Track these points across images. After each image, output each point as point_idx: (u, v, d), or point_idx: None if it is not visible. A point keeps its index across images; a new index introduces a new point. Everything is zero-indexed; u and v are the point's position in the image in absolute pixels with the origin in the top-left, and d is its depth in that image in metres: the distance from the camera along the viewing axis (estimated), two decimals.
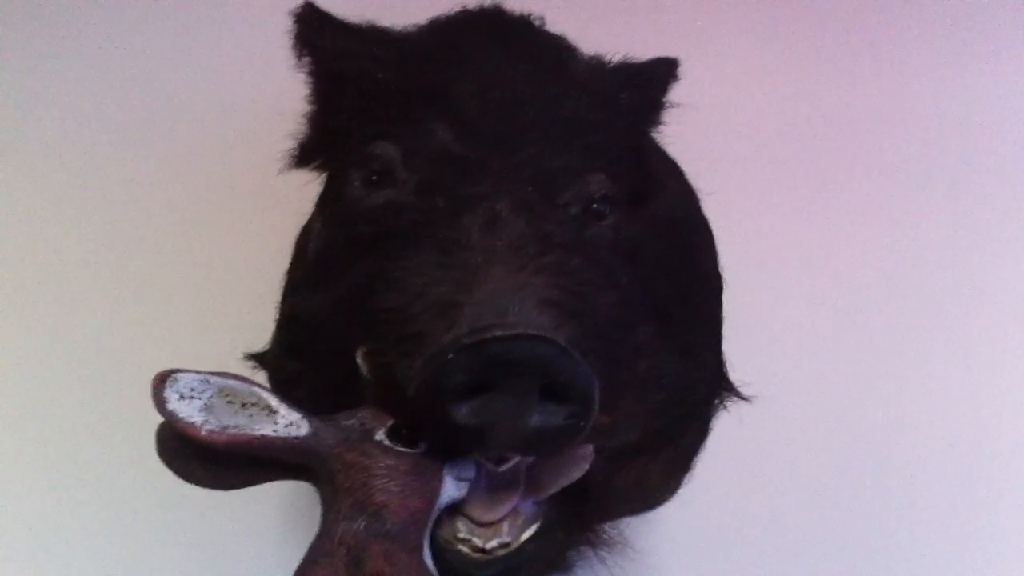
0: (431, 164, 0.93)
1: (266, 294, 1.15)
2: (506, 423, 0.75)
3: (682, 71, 1.17)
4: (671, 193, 1.24)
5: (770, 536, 1.50)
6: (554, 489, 0.88)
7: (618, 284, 0.97)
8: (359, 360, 0.88)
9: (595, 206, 0.98)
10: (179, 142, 1.76)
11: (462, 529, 0.85)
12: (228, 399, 0.78)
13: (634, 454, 1.07)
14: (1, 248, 1.69)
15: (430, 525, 0.80)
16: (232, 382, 0.80)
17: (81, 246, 1.70)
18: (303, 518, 1.46)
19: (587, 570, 1.07)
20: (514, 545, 0.86)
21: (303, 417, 0.80)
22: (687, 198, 1.33)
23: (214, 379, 0.79)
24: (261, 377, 1.06)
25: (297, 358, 1.02)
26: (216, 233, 1.70)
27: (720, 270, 1.32)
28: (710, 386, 1.22)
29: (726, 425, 1.26)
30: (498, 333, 0.73)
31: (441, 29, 1.10)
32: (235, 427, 0.77)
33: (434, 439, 0.80)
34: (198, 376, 0.79)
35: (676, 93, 1.16)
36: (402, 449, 0.79)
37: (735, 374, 1.26)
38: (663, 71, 1.17)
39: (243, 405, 0.78)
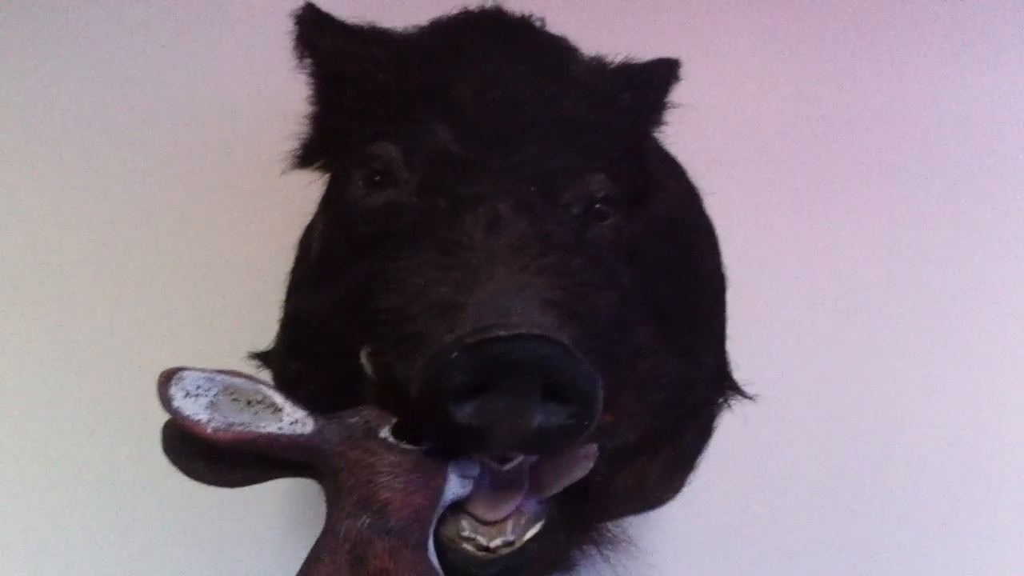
0: (431, 164, 0.94)
1: (271, 294, 1.16)
2: (508, 423, 0.75)
3: (683, 71, 1.17)
4: (671, 193, 1.24)
5: (772, 535, 1.51)
6: (558, 488, 0.88)
7: (619, 284, 0.97)
8: (364, 360, 0.88)
9: (597, 206, 0.98)
10: (183, 143, 1.77)
11: (466, 527, 0.86)
12: (233, 397, 0.79)
13: (634, 454, 1.07)
14: (7, 249, 1.70)
15: (434, 522, 0.80)
16: (237, 380, 0.80)
17: (87, 247, 1.70)
18: (305, 517, 1.46)
19: (591, 569, 1.07)
20: (518, 544, 0.86)
21: (308, 415, 0.81)
22: (688, 198, 1.33)
23: (219, 377, 0.79)
24: (266, 376, 1.07)
25: (298, 358, 1.03)
26: (221, 233, 1.70)
27: (723, 270, 1.33)
28: (710, 386, 1.22)
29: (729, 425, 1.26)
30: (501, 333, 0.73)
31: (442, 30, 1.10)
32: (240, 424, 0.78)
33: (436, 439, 0.80)
34: (204, 374, 0.79)
35: (677, 93, 1.16)
36: (406, 446, 0.79)
37: (737, 373, 1.26)
38: (664, 72, 1.16)
39: (248, 403, 0.79)
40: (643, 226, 1.08)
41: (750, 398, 1.24)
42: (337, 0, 1.10)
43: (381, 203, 0.96)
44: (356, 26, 1.08)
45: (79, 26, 1.86)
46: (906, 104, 1.82)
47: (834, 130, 1.81)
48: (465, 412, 0.75)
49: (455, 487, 0.81)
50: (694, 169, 1.34)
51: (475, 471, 0.83)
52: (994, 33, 1.88)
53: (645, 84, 1.12)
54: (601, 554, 1.06)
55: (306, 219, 1.21)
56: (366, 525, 0.76)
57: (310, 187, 1.16)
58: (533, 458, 0.87)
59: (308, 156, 1.10)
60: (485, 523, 0.86)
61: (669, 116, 1.16)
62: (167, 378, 0.78)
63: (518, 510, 0.87)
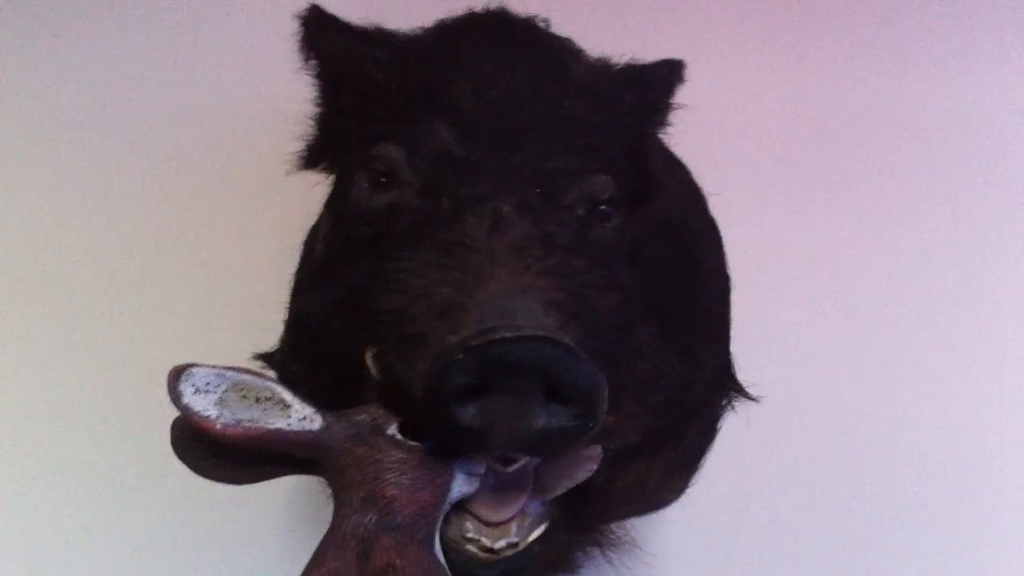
0: (433, 165, 0.94)
1: (275, 295, 1.16)
2: (510, 424, 0.75)
3: (687, 72, 1.17)
4: (673, 193, 1.24)
5: (774, 537, 1.50)
6: (562, 490, 0.88)
7: (621, 285, 0.97)
8: (369, 361, 0.88)
9: (600, 207, 0.98)
10: (187, 144, 1.77)
11: (470, 529, 0.85)
12: (242, 393, 0.79)
13: (634, 455, 1.07)
14: (10, 251, 1.70)
15: (440, 519, 0.80)
16: (246, 376, 0.80)
17: (92, 247, 1.71)
18: (308, 516, 1.46)
19: (593, 570, 1.07)
20: (522, 545, 0.86)
21: (316, 412, 0.81)
22: (691, 198, 1.33)
23: (229, 373, 0.80)
24: (271, 375, 1.06)
25: (301, 358, 1.03)
26: (226, 234, 1.70)
27: (726, 270, 1.33)
28: (710, 386, 1.22)
29: (731, 426, 1.26)
30: (505, 334, 0.72)
31: (445, 31, 1.11)
32: (249, 421, 0.78)
33: (439, 440, 0.80)
34: (213, 370, 0.79)
35: (681, 94, 1.16)
36: (413, 443, 0.80)
37: (741, 374, 1.26)
38: (668, 73, 1.16)
39: (257, 399, 0.79)
40: (644, 226, 1.08)
41: (753, 399, 1.24)
42: (342, 1, 1.10)
43: (384, 204, 0.96)
44: (360, 27, 1.08)
45: (82, 27, 1.87)
46: (907, 105, 1.83)
47: (836, 131, 1.82)
48: (468, 413, 0.74)
49: (461, 484, 0.81)
50: (697, 170, 1.34)
51: (481, 469, 0.83)
52: (994, 33, 1.89)
53: (648, 85, 1.12)
54: (604, 555, 1.06)
55: (310, 220, 1.21)
56: (373, 521, 0.76)
57: (314, 188, 1.16)
58: (537, 460, 0.87)
59: (312, 157, 1.10)
60: (489, 524, 0.86)
61: (673, 117, 1.16)
62: (177, 374, 0.78)
63: (522, 512, 0.87)
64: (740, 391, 1.25)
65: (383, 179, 0.97)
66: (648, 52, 1.15)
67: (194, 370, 0.78)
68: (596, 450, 0.89)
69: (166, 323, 1.63)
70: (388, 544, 0.75)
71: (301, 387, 0.88)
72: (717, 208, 1.34)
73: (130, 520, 1.50)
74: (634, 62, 1.12)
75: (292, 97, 1.09)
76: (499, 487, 0.86)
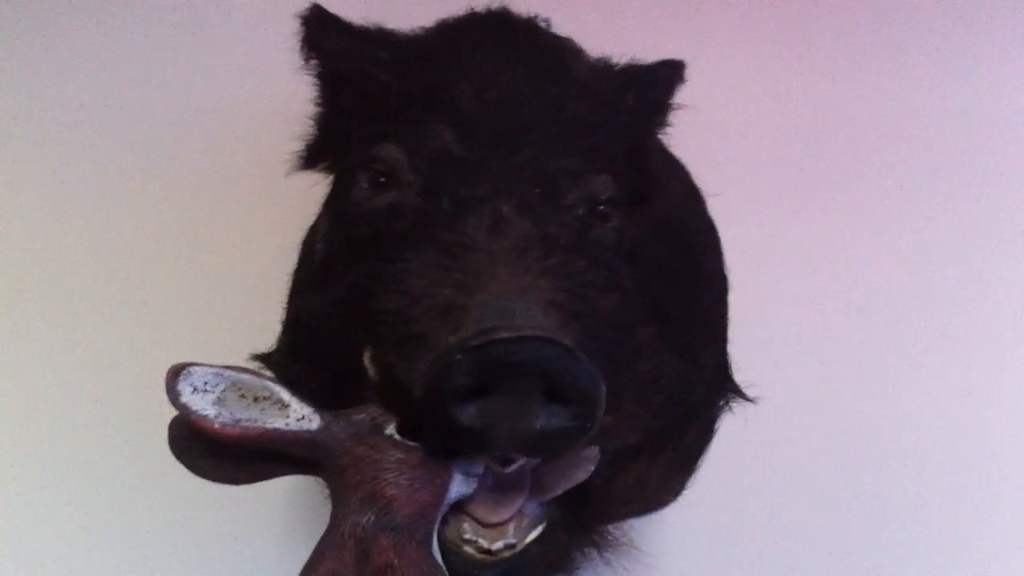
0: (433, 165, 0.94)
1: (273, 295, 1.16)
2: (510, 424, 0.75)
3: (687, 73, 1.17)
4: (672, 194, 1.24)
5: (772, 537, 1.51)
6: (560, 491, 0.88)
7: (621, 286, 0.97)
8: (367, 362, 0.88)
9: (600, 208, 0.98)
10: (187, 144, 1.77)
11: (468, 530, 0.86)
12: (241, 393, 0.79)
13: (634, 455, 1.08)
14: (11, 251, 1.70)
15: (439, 519, 0.80)
16: (245, 376, 0.80)
17: (92, 247, 1.71)
18: (306, 516, 1.46)
19: (591, 571, 1.07)
20: (519, 546, 0.87)
21: (314, 411, 0.80)
22: (689, 199, 1.33)
23: (227, 373, 0.79)
24: (270, 375, 1.06)
25: (300, 359, 1.03)
26: (224, 234, 1.71)
27: (724, 271, 1.33)
28: (709, 387, 1.22)
29: (729, 426, 1.26)
30: (505, 335, 0.72)
31: (446, 31, 1.11)
32: (247, 420, 0.78)
33: (438, 440, 0.80)
34: (211, 370, 0.79)
35: (681, 95, 1.16)
36: (412, 443, 0.79)
37: (739, 375, 1.26)
38: (668, 73, 1.16)
39: (255, 399, 0.79)
40: (644, 227, 1.08)
41: (751, 400, 1.24)
42: (343, 1, 1.10)
43: (385, 204, 0.96)
44: (361, 27, 1.08)
45: (82, 27, 1.86)
46: (907, 105, 1.83)
47: (835, 132, 1.82)
48: (467, 414, 0.74)
49: (459, 485, 0.81)
50: (695, 170, 1.34)
51: (479, 470, 0.83)
52: (995, 33, 1.89)
53: (649, 85, 1.12)
54: (602, 556, 1.06)
55: (309, 220, 1.21)
56: (371, 521, 0.76)
57: (314, 188, 1.16)
58: (535, 460, 0.86)
59: (312, 157, 1.10)
60: (486, 525, 0.86)
61: (673, 117, 1.16)
62: (175, 373, 0.78)
63: (519, 512, 0.87)
64: (737, 392, 1.25)
65: (383, 179, 0.97)
66: (648, 52, 1.15)
67: (192, 369, 0.78)
68: (593, 451, 0.89)
69: (164, 322, 1.63)
70: (386, 544, 0.75)
71: (301, 387, 0.88)
72: (716, 208, 1.35)
73: (128, 520, 1.51)
74: (635, 62, 1.12)
75: (292, 97, 1.09)
76: (497, 488, 0.86)
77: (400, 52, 1.04)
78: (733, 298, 1.33)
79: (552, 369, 0.74)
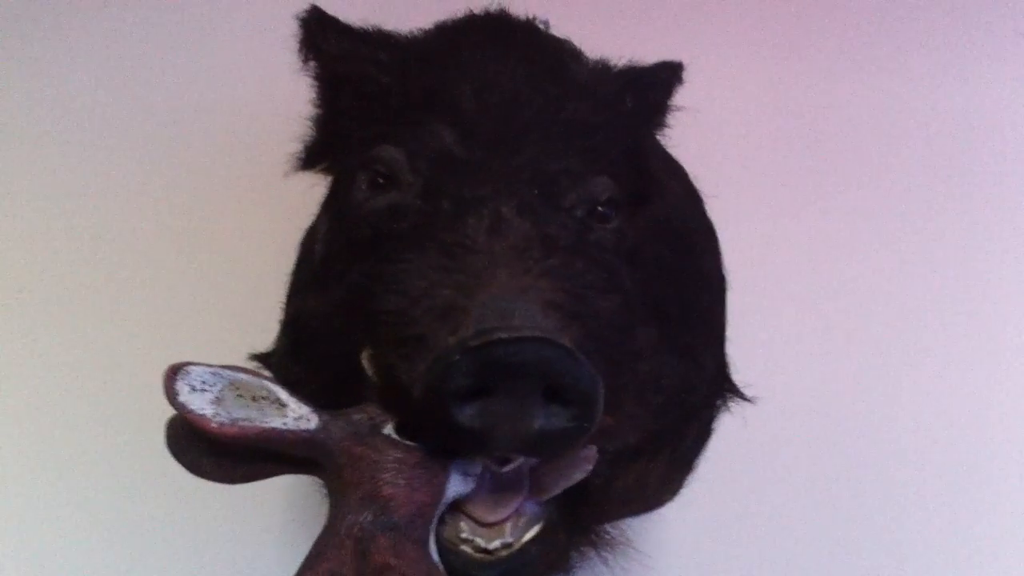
0: (433, 166, 0.94)
1: (272, 295, 1.16)
2: (509, 425, 0.75)
3: (686, 74, 1.17)
4: (671, 195, 1.24)
5: (771, 537, 1.51)
6: (558, 490, 0.88)
7: (621, 287, 0.97)
8: (364, 363, 0.88)
9: (600, 209, 0.98)
10: (186, 145, 1.77)
11: (465, 529, 0.85)
12: (238, 392, 0.79)
13: (634, 456, 1.07)
14: (10, 250, 1.70)
15: (436, 518, 0.80)
16: (243, 375, 0.80)
17: (91, 247, 1.71)
18: (305, 515, 1.46)
19: (589, 571, 1.07)
20: (517, 546, 0.86)
21: (312, 411, 0.80)
22: (688, 200, 1.33)
23: (225, 372, 0.79)
24: (268, 375, 1.06)
25: (299, 359, 1.03)
26: (223, 234, 1.71)
27: (723, 272, 1.33)
28: (709, 388, 1.22)
29: (729, 426, 1.26)
30: (503, 335, 0.73)
31: (445, 32, 1.11)
32: (245, 420, 0.77)
33: (437, 441, 0.80)
34: (209, 369, 0.79)
35: (680, 96, 1.17)
36: (410, 443, 0.80)
37: (737, 376, 1.27)
38: (667, 74, 1.16)
39: (253, 398, 0.79)
40: (644, 227, 1.08)
41: (749, 400, 1.24)
42: (342, 2, 1.11)
43: (384, 205, 0.96)
44: (360, 29, 1.08)
45: (82, 27, 1.87)
46: (907, 106, 1.83)
47: (835, 133, 1.82)
48: (467, 414, 0.75)
49: (457, 484, 0.81)
50: (694, 171, 1.34)
51: (477, 469, 0.83)
52: (995, 33, 1.89)
53: (648, 87, 1.12)
54: (600, 556, 1.06)
55: (309, 221, 1.21)
56: (369, 521, 0.76)
57: (313, 189, 1.16)
58: (533, 460, 0.86)
59: (311, 158, 1.10)
60: (484, 525, 0.86)
61: (671, 119, 1.16)
62: (173, 372, 0.78)
63: (517, 512, 0.87)
64: (736, 392, 1.25)
65: (383, 180, 0.97)
66: (648, 54, 1.15)
67: (190, 368, 0.78)
68: (592, 451, 0.89)
69: (164, 322, 1.63)
70: (384, 544, 0.75)
71: (300, 388, 0.88)
72: (715, 209, 1.35)
73: (127, 519, 1.51)
74: (634, 64, 1.12)
75: (292, 98, 1.09)
76: (495, 487, 0.86)
77: (399, 54, 1.04)
78: (732, 298, 1.33)
79: (552, 370, 0.74)
